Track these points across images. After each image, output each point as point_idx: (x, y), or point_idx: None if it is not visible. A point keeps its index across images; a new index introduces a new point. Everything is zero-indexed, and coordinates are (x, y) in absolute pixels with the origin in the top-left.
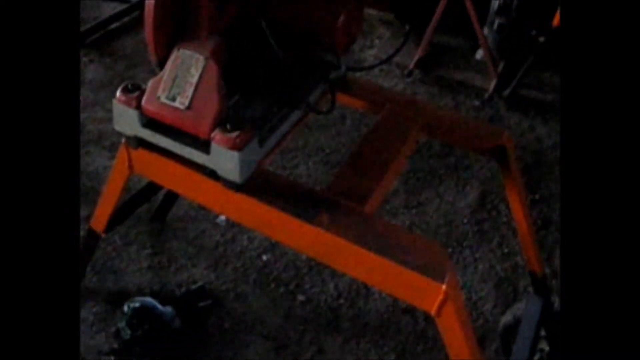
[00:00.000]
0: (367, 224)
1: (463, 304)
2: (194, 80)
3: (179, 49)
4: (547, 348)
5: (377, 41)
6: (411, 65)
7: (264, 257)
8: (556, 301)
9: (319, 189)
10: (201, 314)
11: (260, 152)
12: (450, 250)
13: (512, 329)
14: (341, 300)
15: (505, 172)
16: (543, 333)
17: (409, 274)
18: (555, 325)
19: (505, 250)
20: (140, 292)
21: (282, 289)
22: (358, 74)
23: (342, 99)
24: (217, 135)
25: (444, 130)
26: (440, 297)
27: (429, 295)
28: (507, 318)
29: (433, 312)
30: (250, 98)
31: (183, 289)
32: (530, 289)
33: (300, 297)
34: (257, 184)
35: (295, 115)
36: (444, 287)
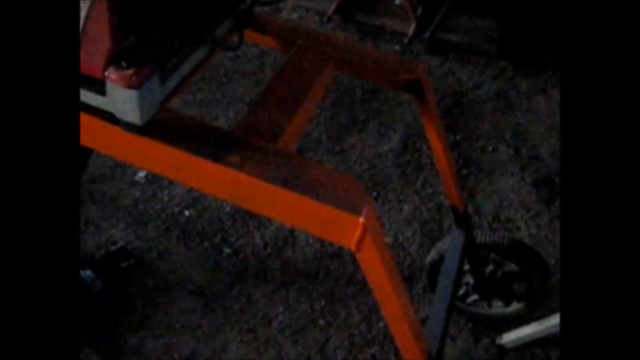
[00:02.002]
0: (279, 161)
1: (383, 238)
2: (83, 15)
3: None
4: (471, 281)
5: None
6: (330, 12)
7: (187, 213)
8: (478, 235)
9: (228, 129)
10: (123, 275)
11: (162, 91)
12: (375, 194)
13: (437, 265)
14: (268, 250)
15: (423, 107)
16: (467, 267)
17: (325, 208)
18: (478, 259)
19: (429, 191)
20: None
21: (207, 244)
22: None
23: (252, 36)
24: (111, 73)
25: (359, 65)
26: (358, 230)
27: (347, 229)
28: (432, 255)
29: (352, 247)
30: (150, 36)
31: (102, 251)
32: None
33: (227, 250)
34: (161, 126)
35: (200, 52)
36: (361, 219)
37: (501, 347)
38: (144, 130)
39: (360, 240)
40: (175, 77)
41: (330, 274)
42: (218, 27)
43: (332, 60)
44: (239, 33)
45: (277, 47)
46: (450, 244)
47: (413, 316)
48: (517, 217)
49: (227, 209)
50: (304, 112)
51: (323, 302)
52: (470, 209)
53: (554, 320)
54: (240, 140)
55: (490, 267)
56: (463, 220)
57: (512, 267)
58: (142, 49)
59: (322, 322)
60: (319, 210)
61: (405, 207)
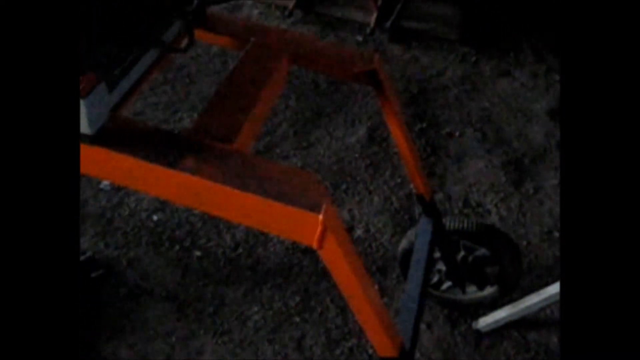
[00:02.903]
0: (235, 162)
1: (345, 233)
2: None
3: None
4: (444, 268)
5: None
6: (291, 6)
7: (155, 217)
8: (447, 222)
9: (182, 132)
10: (94, 285)
11: (111, 99)
12: (344, 186)
13: (409, 254)
14: (239, 250)
15: (381, 97)
16: (439, 254)
17: (283, 208)
18: (448, 245)
19: (399, 180)
20: None
21: (177, 247)
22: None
23: (205, 36)
24: None
25: (314, 59)
26: (319, 228)
27: (307, 227)
28: (403, 244)
29: (315, 245)
30: (95, 42)
31: None
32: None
33: (197, 253)
34: (112, 134)
35: (149, 57)
36: (320, 217)
37: (478, 332)
38: (95, 139)
39: (322, 238)
40: (124, 84)
41: (303, 270)
42: (167, 30)
43: (286, 55)
44: (189, 34)
45: (231, 45)
46: (418, 233)
47: (382, 309)
48: (487, 201)
49: (196, 211)
50: (259, 110)
51: (297, 299)
52: (440, 196)
53: (528, 301)
54: (194, 143)
55: (461, 253)
56: (430, 208)
57: (483, 251)
58: (87, 56)
59: (297, 319)
60: (278, 210)
61: (376, 197)
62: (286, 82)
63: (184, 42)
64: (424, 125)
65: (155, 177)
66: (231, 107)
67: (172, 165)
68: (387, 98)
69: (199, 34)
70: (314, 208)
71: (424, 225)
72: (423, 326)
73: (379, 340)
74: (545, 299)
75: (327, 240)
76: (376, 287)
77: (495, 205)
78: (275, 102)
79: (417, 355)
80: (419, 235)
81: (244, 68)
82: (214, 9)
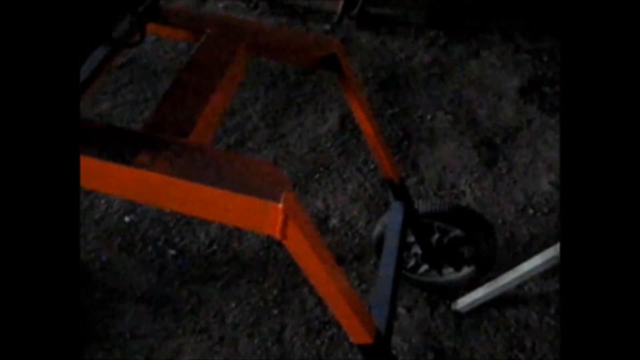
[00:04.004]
0: (192, 156)
1: (309, 222)
2: None
3: None
4: (420, 252)
5: None
6: None
7: (127, 219)
8: (419, 205)
9: (136, 128)
10: None
11: None
12: (317, 175)
13: (383, 239)
14: (214, 247)
15: (343, 83)
16: (413, 239)
17: (242, 199)
18: (422, 229)
19: (372, 167)
20: None
21: (150, 248)
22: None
23: (160, 30)
24: None
25: (273, 48)
26: (280, 217)
27: (269, 217)
28: (377, 230)
29: (277, 235)
30: None
31: None
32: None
33: (171, 252)
34: None
35: (99, 53)
36: (280, 206)
37: (457, 313)
38: None
39: (284, 227)
40: None
41: (279, 262)
42: (117, 25)
43: (243, 45)
44: (139, 29)
45: (187, 38)
46: (389, 217)
47: (353, 296)
48: (461, 182)
49: (168, 210)
50: (217, 101)
51: (275, 292)
52: (414, 180)
53: (505, 279)
54: (149, 139)
55: (436, 235)
56: (401, 192)
57: (457, 232)
58: None
59: (276, 312)
60: (237, 201)
61: (349, 185)
62: (245, 73)
63: (136, 37)
64: (395, 110)
65: (112, 176)
66: (186, 100)
67: (126, 161)
68: (349, 83)
69: (152, 28)
70: (273, 197)
71: (396, 209)
72: (403, 310)
73: (352, 327)
74: (522, 276)
75: (290, 230)
76: (354, 274)
77: (470, 185)
78: (234, 92)
79: (398, 339)
80: (390, 220)
81: (199, 60)
82: (178, 3)
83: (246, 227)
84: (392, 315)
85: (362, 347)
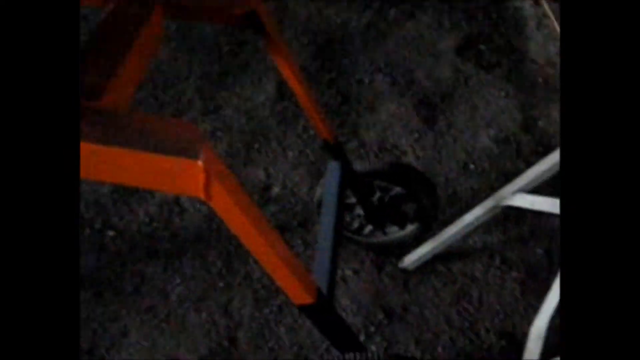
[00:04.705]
0: (101, 119)
1: (235, 180)
2: None
3: None
4: (362, 212)
5: None
6: None
7: None
8: (358, 166)
9: None
10: None
11: None
12: (257, 145)
13: None
14: (155, 224)
15: (267, 42)
16: (354, 200)
17: (159, 158)
18: (362, 189)
19: (311, 133)
20: None
21: (88, 230)
22: None
23: None
24: None
25: (190, 7)
26: (201, 175)
27: (189, 177)
28: (317, 193)
29: (202, 195)
30: None
31: None
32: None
33: (110, 233)
34: None
35: None
36: (199, 163)
37: (404, 271)
38: None
39: (208, 186)
40: None
41: (222, 234)
42: None
43: (157, 7)
44: None
45: (95, 3)
46: (326, 178)
47: (290, 256)
48: (403, 143)
49: (104, 190)
50: (130, 67)
51: (219, 264)
52: (355, 143)
53: (448, 232)
54: None
55: (377, 195)
56: (336, 152)
57: (398, 190)
58: None
59: (222, 284)
60: (154, 162)
61: (290, 153)
62: (161, 36)
63: None
64: (333, 75)
65: None
66: (97, 64)
67: None
68: (273, 41)
69: None
70: (191, 154)
71: (332, 170)
72: (349, 272)
73: (291, 288)
74: (465, 227)
75: (214, 189)
76: (299, 241)
77: (411, 145)
78: (151, 57)
79: (347, 302)
80: (327, 180)
81: (109, 24)
82: None
83: (168, 189)
84: (334, 275)
85: (304, 308)
